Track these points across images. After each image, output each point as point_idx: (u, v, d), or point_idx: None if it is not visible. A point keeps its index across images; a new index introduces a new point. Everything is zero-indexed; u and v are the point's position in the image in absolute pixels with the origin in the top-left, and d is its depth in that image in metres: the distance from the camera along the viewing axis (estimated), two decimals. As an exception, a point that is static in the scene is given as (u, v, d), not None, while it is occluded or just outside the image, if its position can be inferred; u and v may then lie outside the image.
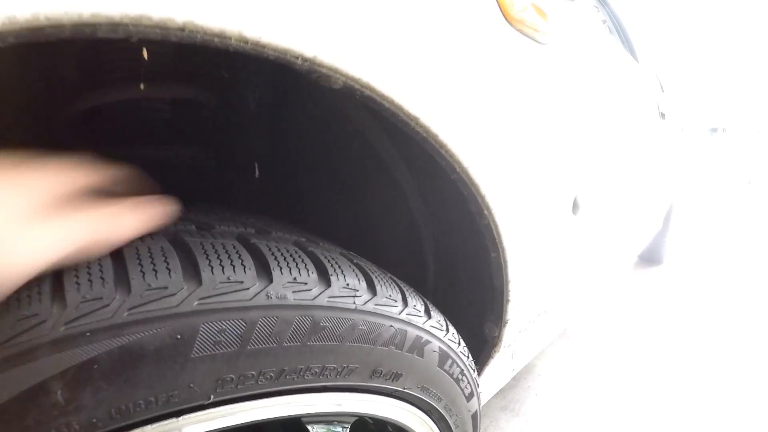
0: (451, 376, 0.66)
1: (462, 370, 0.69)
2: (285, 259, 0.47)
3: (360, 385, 0.53)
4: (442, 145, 0.56)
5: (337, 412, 0.53)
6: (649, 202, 2.27)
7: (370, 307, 0.50)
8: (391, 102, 0.52)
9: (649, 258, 3.53)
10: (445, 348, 0.62)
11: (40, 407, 0.33)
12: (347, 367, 0.49)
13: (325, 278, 0.48)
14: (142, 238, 0.44)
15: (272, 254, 0.47)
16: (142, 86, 0.72)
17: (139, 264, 0.39)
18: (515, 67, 0.72)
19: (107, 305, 0.35)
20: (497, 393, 1.72)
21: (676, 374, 2.00)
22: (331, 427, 0.66)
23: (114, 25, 0.34)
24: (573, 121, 0.94)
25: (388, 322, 0.52)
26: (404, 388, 0.59)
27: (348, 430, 0.64)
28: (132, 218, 0.42)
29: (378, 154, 0.79)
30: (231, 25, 0.37)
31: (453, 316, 0.81)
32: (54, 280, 0.36)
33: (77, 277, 0.36)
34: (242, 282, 0.41)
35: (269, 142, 0.96)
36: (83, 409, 0.34)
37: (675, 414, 1.71)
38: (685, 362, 2.12)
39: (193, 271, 0.41)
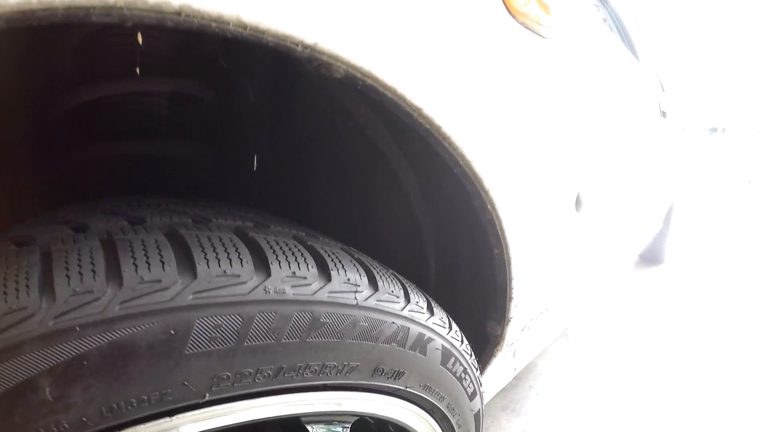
0: (454, 374, 0.65)
1: (465, 368, 0.67)
2: (284, 252, 0.45)
3: (361, 384, 0.51)
4: (445, 137, 0.55)
5: (338, 411, 0.52)
6: (650, 201, 2.26)
7: (371, 303, 0.48)
8: (394, 92, 0.50)
9: (650, 257, 3.53)
10: (447, 346, 0.61)
11: (28, 405, 0.31)
12: (348, 364, 0.48)
13: (325, 273, 0.46)
14: (135, 231, 0.43)
15: (270, 248, 0.45)
16: (138, 71, 0.70)
17: (132, 256, 0.38)
18: (518, 60, 0.71)
19: (98, 299, 0.34)
20: (498, 393, 1.71)
21: (677, 373, 1.99)
22: (331, 427, 0.64)
23: (108, 9, 0.33)
24: (575, 115, 0.93)
25: (390, 319, 0.50)
26: (406, 387, 0.57)
27: (348, 430, 0.63)
28: None
29: (379, 149, 0.77)
30: (229, 9, 0.36)
31: (455, 315, 0.80)
32: (43, 272, 0.34)
33: (67, 269, 0.35)
34: (239, 276, 0.40)
35: (268, 138, 0.94)
36: (73, 407, 0.33)
37: (675, 413, 1.70)
38: (685, 361, 2.11)
39: (188, 264, 0.39)
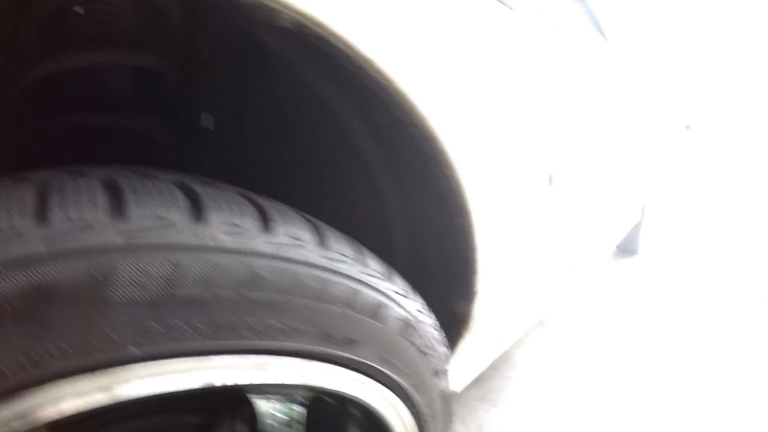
0: (417, 348, 0.62)
1: (428, 343, 0.64)
2: (226, 202, 0.43)
3: (310, 351, 0.48)
4: (397, 92, 0.52)
5: (283, 383, 0.48)
6: (627, 188, 2.27)
7: (319, 261, 0.45)
8: (344, 43, 0.48)
9: (626, 248, 3.57)
10: (407, 315, 0.58)
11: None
12: (292, 327, 0.44)
13: (268, 225, 0.43)
14: (72, 177, 0.40)
15: (210, 197, 0.42)
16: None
17: (61, 198, 0.36)
18: (477, 23, 0.68)
19: (22, 236, 0.32)
20: (475, 383, 1.69)
21: (653, 361, 2.01)
22: (287, 407, 0.61)
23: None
24: (539, 83, 0.91)
25: (339, 279, 0.47)
26: (362, 358, 0.54)
27: (303, 409, 0.60)
28: None
29: (342, 124, 0.75)
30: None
31: (424, 293, 0.77)
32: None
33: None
34: (172, 220, 0.37)
35: (231, 115, 0.91)
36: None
37: (652, 401, 1.71)
38: (661, 349, 2.13)
39: (119, 207, 0.37)
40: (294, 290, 0.43)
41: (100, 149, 0.84)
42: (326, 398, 0.62)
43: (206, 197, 0.42)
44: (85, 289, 0.33)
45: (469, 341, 0.88)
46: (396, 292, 0.56)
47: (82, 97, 0.77)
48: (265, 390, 0.56)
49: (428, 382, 0.68)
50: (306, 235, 0.47)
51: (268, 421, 0.59)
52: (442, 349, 0.70)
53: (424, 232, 0.81)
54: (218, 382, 0.42)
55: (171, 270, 0.36)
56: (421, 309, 0.63)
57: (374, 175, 0.78)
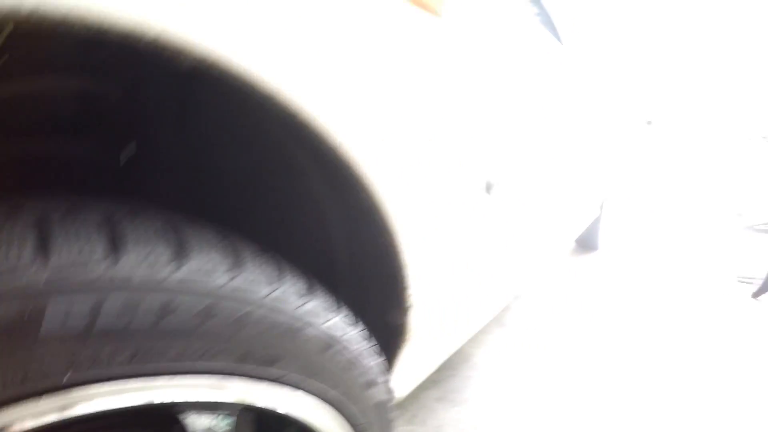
0: (343, 361, 0.66)
1: (356, 356, 0.68)
2: (144, 235, 0.46)
3: (231, 369, 0.51)
4: (304, 124, 0.54)
5: (209, 402, 0.51)
6: (582, 186, 2.32)
7: (233, 286, 0.49)
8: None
9: (585, 244, 3.66)
10: (329, 331, 0.62)
11: None
12: (210, 350, 0.48)
13: (183, 256, 0.47)
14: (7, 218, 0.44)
15: (130, 233, 0.46)
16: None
17: None
18: (394, 30, 0.67)
19: None
20: (434, 384, 1.74)
21: (614, 357, 2.07)
22: (216, 421, 0.63)
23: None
24: (470, 92, 0.92)
25: (251, 307, 0.51)
26: (286, 373, 0.57)
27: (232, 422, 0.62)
28: None
29: (282, 144, 0.76)
30: None
31: (362, 307, 0.80)
32: None
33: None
34: (87, 261, 0.41)
35: (174, 137, 0.93)
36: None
37: (613, 395, 1.76)
38: (621, 344, 2.20)
39: (45, 250, 0.40)
40: (206, 318, 0.47)
41: (44, 175, 0.85)
42: (266, 412, 0.65)
43: (126, 234, 0.45)
44: (17, 327, 0.37)
45: (408, 351, 0.91)
46: (316, 311, 0.60)
47: (22, 122, 0.78)
48: (191, 407, 0.59)
49: (360, 394, 0.72)
50: (221, 261, 0.50)
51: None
52: (373, 360, 0.73)
53: (361, 248, 0.84)
54: (147, 401, 0.46)
55: (92, 307, 0.40)
56: (346, 323, 0.67)
57: (313, 186, 0.80)
